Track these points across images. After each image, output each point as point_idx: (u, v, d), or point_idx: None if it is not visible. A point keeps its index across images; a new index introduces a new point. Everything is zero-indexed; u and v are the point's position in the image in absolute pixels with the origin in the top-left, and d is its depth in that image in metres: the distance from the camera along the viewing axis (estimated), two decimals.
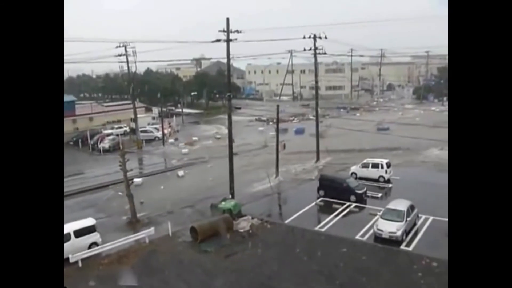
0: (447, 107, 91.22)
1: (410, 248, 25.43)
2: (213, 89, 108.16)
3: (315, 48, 46.14)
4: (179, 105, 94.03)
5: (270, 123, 77.04)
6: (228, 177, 34.82)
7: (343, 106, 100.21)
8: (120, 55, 59.84)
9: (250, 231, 28.87)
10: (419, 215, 29.35)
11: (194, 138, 65.89)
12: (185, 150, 57.99)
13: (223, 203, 32.10)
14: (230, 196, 34.10)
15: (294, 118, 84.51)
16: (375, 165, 39.67)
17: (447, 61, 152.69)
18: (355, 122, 73.34)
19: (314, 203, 34.24)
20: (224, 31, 32.77)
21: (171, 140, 65.18)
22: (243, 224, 29.77)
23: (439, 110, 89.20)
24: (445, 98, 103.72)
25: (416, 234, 27.42)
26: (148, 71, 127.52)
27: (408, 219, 27.17)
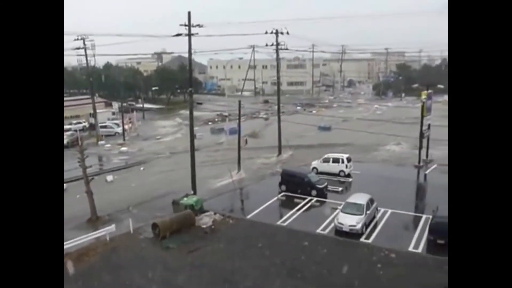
0: (404, 103, 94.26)
1: (370, 241, 26.02)
2: (175, 84, 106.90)
3: (277, 44, 46.40)
4: (139, 100, 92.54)
5: (210, 123, 76.00)
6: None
7: (300, 103, 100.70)
8: (78, 48, 58.37)
9: (213, 227, 28.82)
10: (378, 208, 30.08)
11: (151, 134, 64.72)
12: (135, 148, 57.27)
13: (185, 199, 31.81)
14: (192, 192, 33.87)
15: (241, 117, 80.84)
16: (335, 160, 40.18)
17: (405, 58, 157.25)
18: (308, 118, 73.59)
19: (275, 198, 34.48)
20: (185, 25, 32.41)
21: (133, 135, 64.13)
22: (205, 220, 29.67)
23: (393, 106, 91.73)
24: (403, 94, 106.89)
25: (375, 227, 28.08)
26: (108, 65, 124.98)
27: (368, 212, 27.77)
